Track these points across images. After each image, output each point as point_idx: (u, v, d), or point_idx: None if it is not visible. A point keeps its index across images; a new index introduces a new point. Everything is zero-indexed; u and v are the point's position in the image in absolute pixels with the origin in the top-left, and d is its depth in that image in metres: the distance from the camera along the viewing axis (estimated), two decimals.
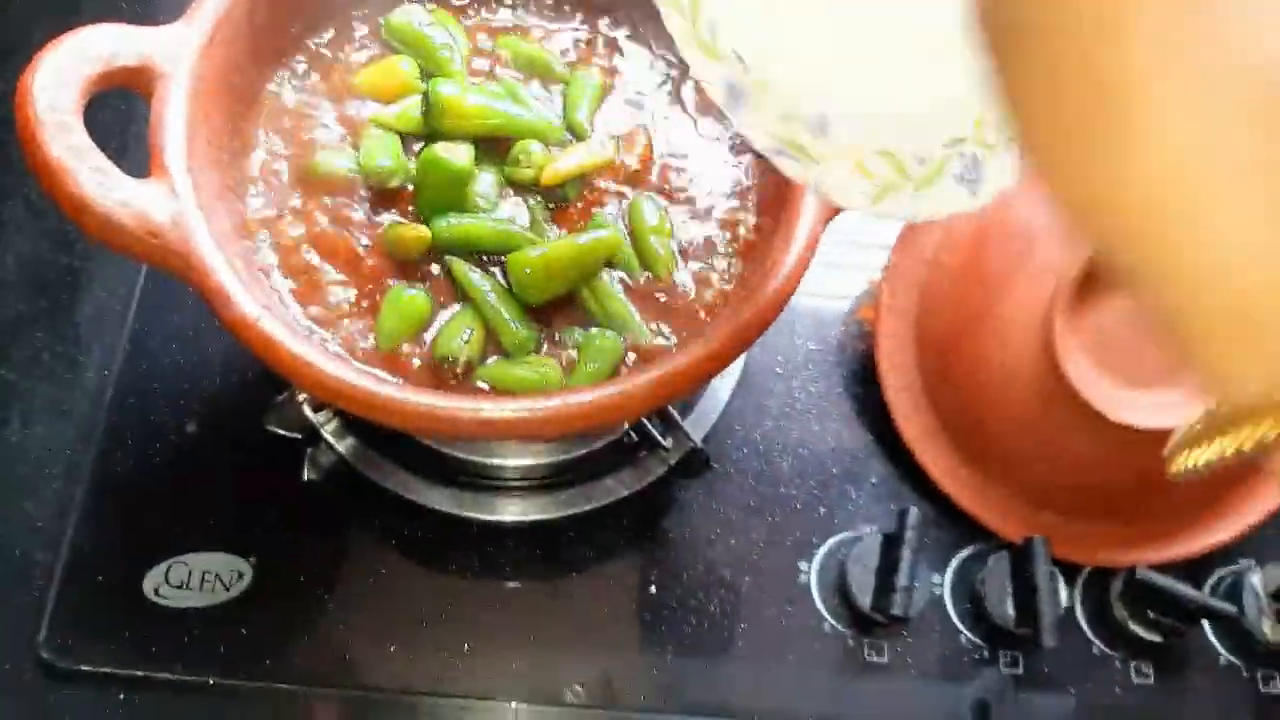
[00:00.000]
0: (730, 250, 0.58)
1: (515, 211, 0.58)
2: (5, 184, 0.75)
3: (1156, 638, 0.65)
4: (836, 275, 0.77)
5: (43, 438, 0.67)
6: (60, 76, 0.49)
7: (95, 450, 0.66)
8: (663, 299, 0.57)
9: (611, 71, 0.64)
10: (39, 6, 0.78)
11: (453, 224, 0.56)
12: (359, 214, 0.57)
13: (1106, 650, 0.66)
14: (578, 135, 0.61)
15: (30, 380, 0.69)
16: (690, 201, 0.60)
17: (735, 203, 0.60)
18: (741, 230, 0.59)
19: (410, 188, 0.57)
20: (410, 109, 0.59)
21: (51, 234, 0.74)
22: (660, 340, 0.56)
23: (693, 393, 0.55)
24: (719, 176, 0.61)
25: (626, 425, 0.66)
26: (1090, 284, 0.60)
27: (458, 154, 0.55)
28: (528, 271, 0.54)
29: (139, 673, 0.61)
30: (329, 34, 0.62)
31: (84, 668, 0.60)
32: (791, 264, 0.51)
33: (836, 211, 0.54)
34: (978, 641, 0.66)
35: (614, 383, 0.48)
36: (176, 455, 0.66)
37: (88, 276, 0.72)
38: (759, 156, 0.60)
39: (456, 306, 0.56)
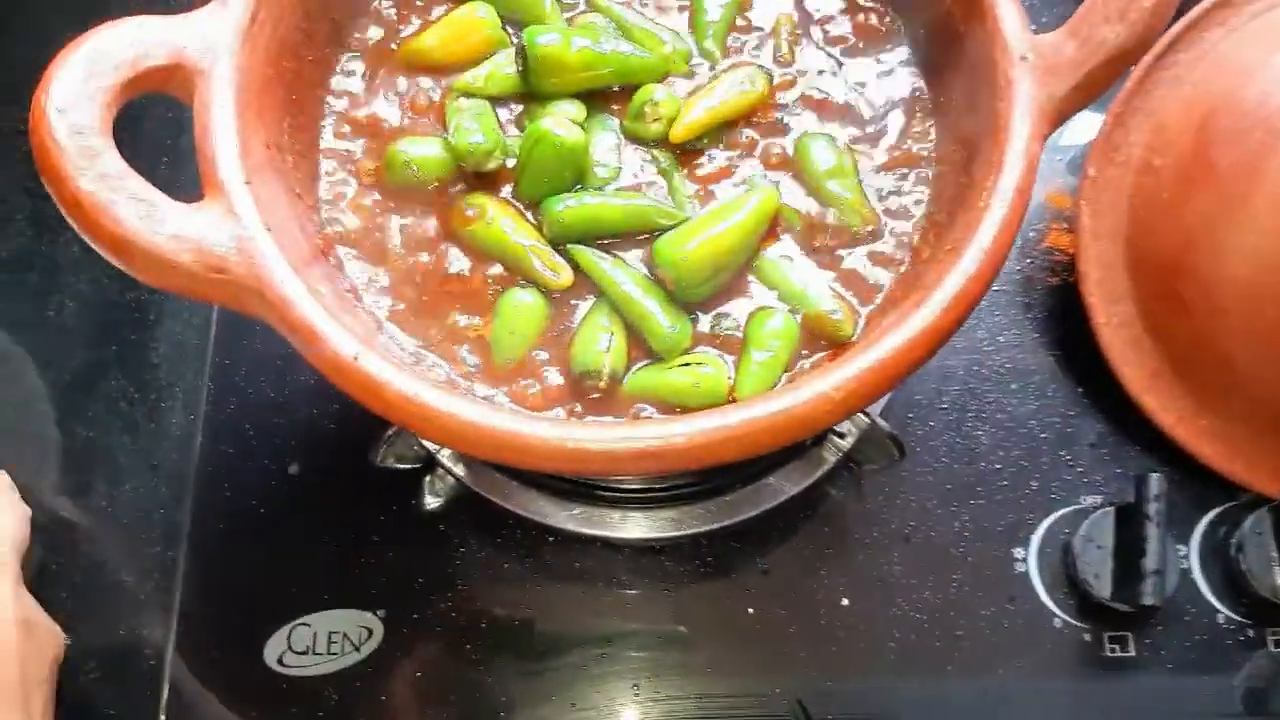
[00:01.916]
0: (917, 183, 0.47)
1: (644, 174, 0.48)
2: (55, 217, 0.67)
3: None
4: None
5: (133, 498, 0.60)
6: (79, 91, 0.39)
7: (191, 506, 0.59)
8: (859, 253, 0.46)
9: None
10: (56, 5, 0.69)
11: (571, 207, 0.46)
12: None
13: None
14: (712, 63, 0.50)
15: (111, 435, 0.61)
16: (857, 125, 0.49)
17: (904, 124, 0.48)
18: (919, 159, 0.47)
19: (510, 165, 0.47)
20: (500, 67, 0.49)
21: (112, 268, 0.65)
22: (841, 313, 0.45)
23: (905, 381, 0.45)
24: (875, 90, 0.49)
25: None
26: None
27: (570, 128, 0.45)
28: (684, 266, 0.43)
29: None
30: None
31: None
32: (1008, 204, 0.40)
33: (1054, 127, 0.42)
34: (1240, 619, 0.55)
35: (807, 383, 0.38)
36: (281, 502, 0.59)
37: (158, 311, 0.64)
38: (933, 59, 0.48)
39: (586, 304, 0.46)
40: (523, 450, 0.38)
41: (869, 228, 0.46)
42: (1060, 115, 0.42)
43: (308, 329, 0.39)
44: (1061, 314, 0.60)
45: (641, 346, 0.45)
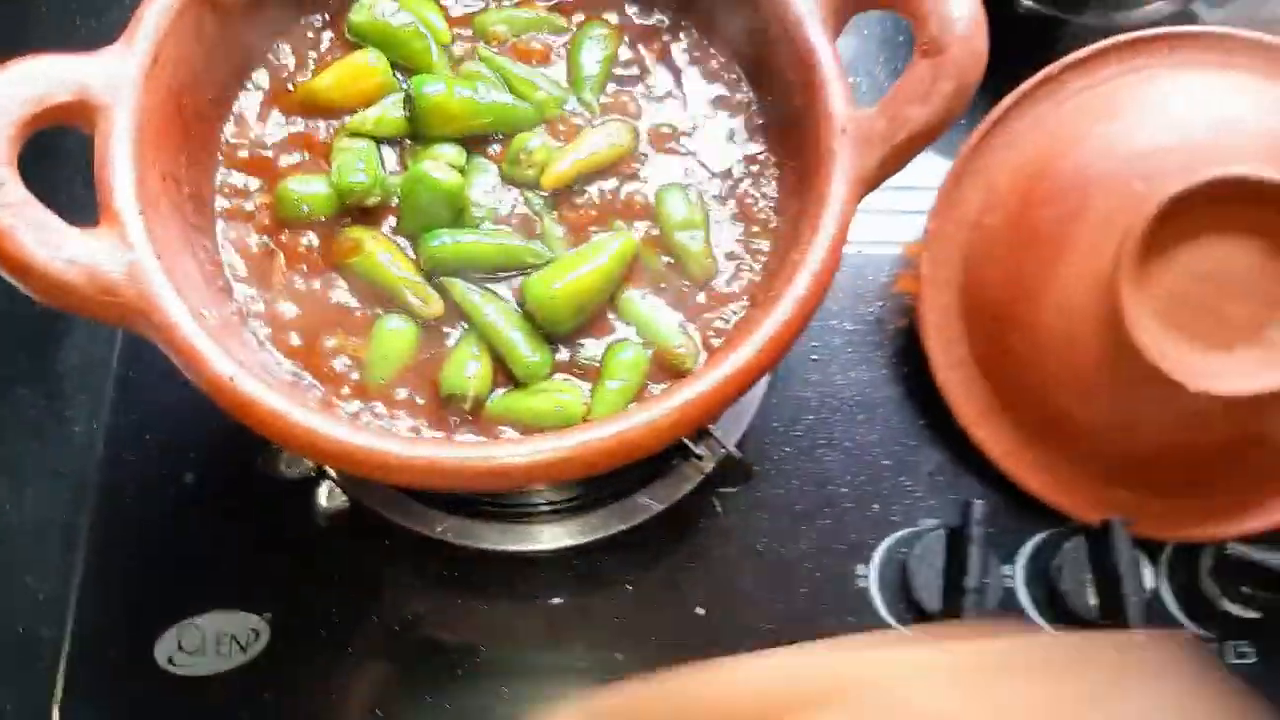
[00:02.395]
0: (758, 235, 0.52)
1: (518, 214, 0.53)
2: None
3: (1254, 614, 0.59)
4: (870, 245, 0.70)
5: (36, 503, 0.63)
6: None
7: (91, 512, 0.62)
8: (700, 297, 0.51)
9: (620, 26, 0.57)
10: None
11: (446, 244, 0.50)
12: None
13: (1200, 632, 0.60)
14: (590, 113, 0.55)
15: (17, 441, 0.64)
16: (705, 181, 0.54)
17: (750, 182, 0.54)
18: (760, 213, 0.53)
19: (394, 202, 0.52)
20: (389, 110, 0.54)
21: None
22: (686, 348, 0.50)
23: (726, 409, 0.49)
24: (726, 152, 0.54)
25: None
26: (1158, 239, 0.53)
27: (446, 172, 0.50)
28: (551, 303, 0.48)
29: None
30: (291, 41, 0.56)
31: None
32: (822, 255, 0.45)
33: (867, 191, 0.47)
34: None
35: (639, 411, 0.43)
36: (176, 509, 0.62)
37: (67, 323, 0.67)
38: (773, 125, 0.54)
39: (458, 333, 0.50)
40: (380, 466, 0.42)
41: (707, 277, 0.51)
42: (873, 183, 0.47)
43: (189, 350, 0.43)
44: (906, 353, 0.66)
45: (505, 373, 0.49)
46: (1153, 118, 0.57)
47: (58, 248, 0.43)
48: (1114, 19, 0.78)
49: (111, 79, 0.47)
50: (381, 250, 0.50)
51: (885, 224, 0.71)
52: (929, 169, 0.64)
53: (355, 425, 0.44)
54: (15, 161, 0.44)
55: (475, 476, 0.42)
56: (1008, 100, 0.62)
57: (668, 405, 0.43)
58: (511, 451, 0.42)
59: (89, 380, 0.66)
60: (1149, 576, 0.61)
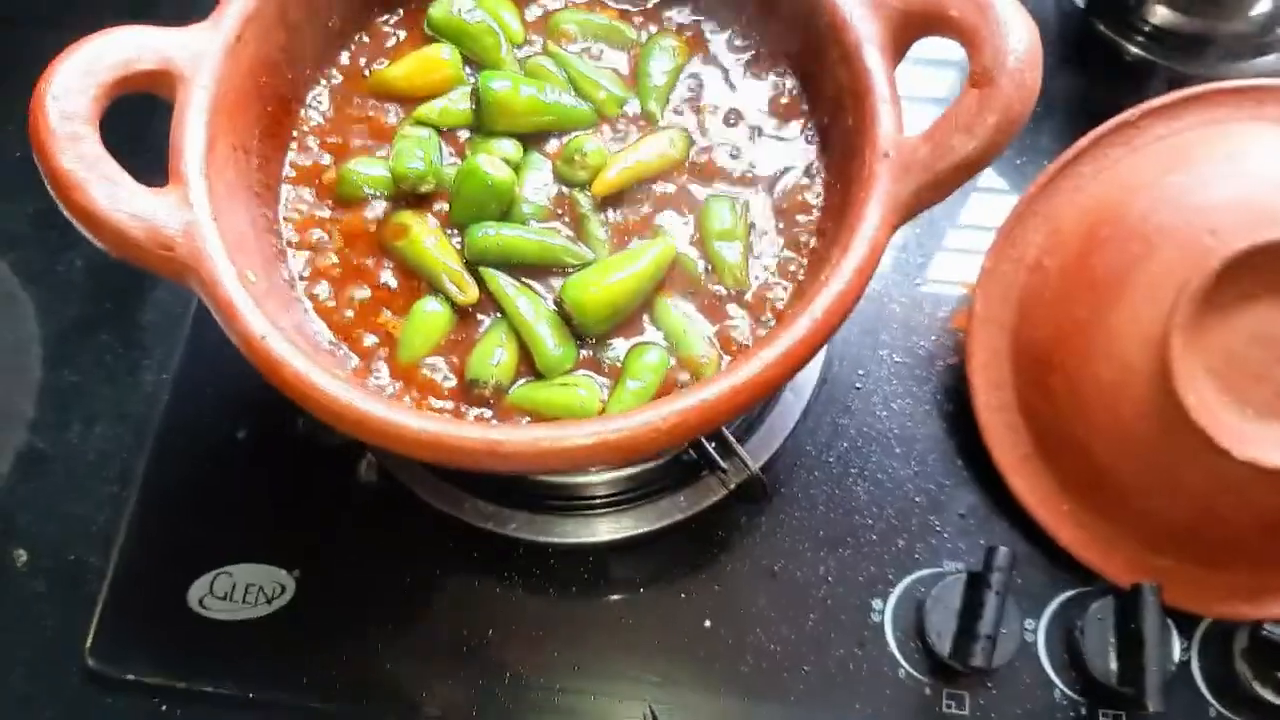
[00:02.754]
0: (796, 253, 0.52)
1: (566, 208, 0.54)
2: None
3: None
4: (933, 279, 0.70)
5: (101, 441, 0.67)
6: (75, 83, 0.47)
7: (148, 455, 0.66)
8: (730, 308, 0.52)
9: (694, 41, 0.58)
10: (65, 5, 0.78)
11: (490, 235, 0.52)
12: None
13: (1226, 714, 0.57)
14: (649, 120, 0.56)
15: (93, 383, 0.69)
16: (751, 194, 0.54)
17: (794, 199, 0.54)
18: (799, 231, 0.53)
19: (447, 191, 0.54)
20: (455, 102, 0.56)
21: None
22: (708, 359, 0.50)
23: (736, 418, 0.50)
24: (776, 167, 0.55)
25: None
26: (1218, 296, 0.51)
27: (499, 167, 0.51)
28: (589, 306, 0.49)
29: (180, 684, 0.60)
30: (371, 31, 0.59)
31: (128, 676, 0.60)
32: (845, 281, 0.45)
33: (903, 218, 0.47)
34: (1074, 697, 0.58)
35: (639, 413, 0.43)
36: (226, 463, 0.65)
37: (152, 280, 0.72)
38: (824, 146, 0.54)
39: (489, 321, 0.52)
40: (392, 436, 0.44)
41: (740, 288, 0.51)
42: (909, 210, 0.47)
43: (228, 306, 0.46)
44: (952, 392, 0.65)
45: (529, 364, 0.51)
46: (1226, 171, 0.55)
47: (124, 202, 0.46)
48: (1228, 69, 0.75)
49: (195, 53, 0.50)
50: (427, 235, 0.52)
51: (951, 262, 0.70)
52: (1002, 209, 0.63)
53: (372, 394, 0.45)
54: (97, 120, 0.47)
55: (476, 456, 0.43)
56: (1081, 142, 0.60)
57: (672, 408, 0.43)
58: (513, 436, 0.43)
59: (164, 335, 0.70)
60: (1177, 649, 0.58)
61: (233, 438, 0.66)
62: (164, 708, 0.60)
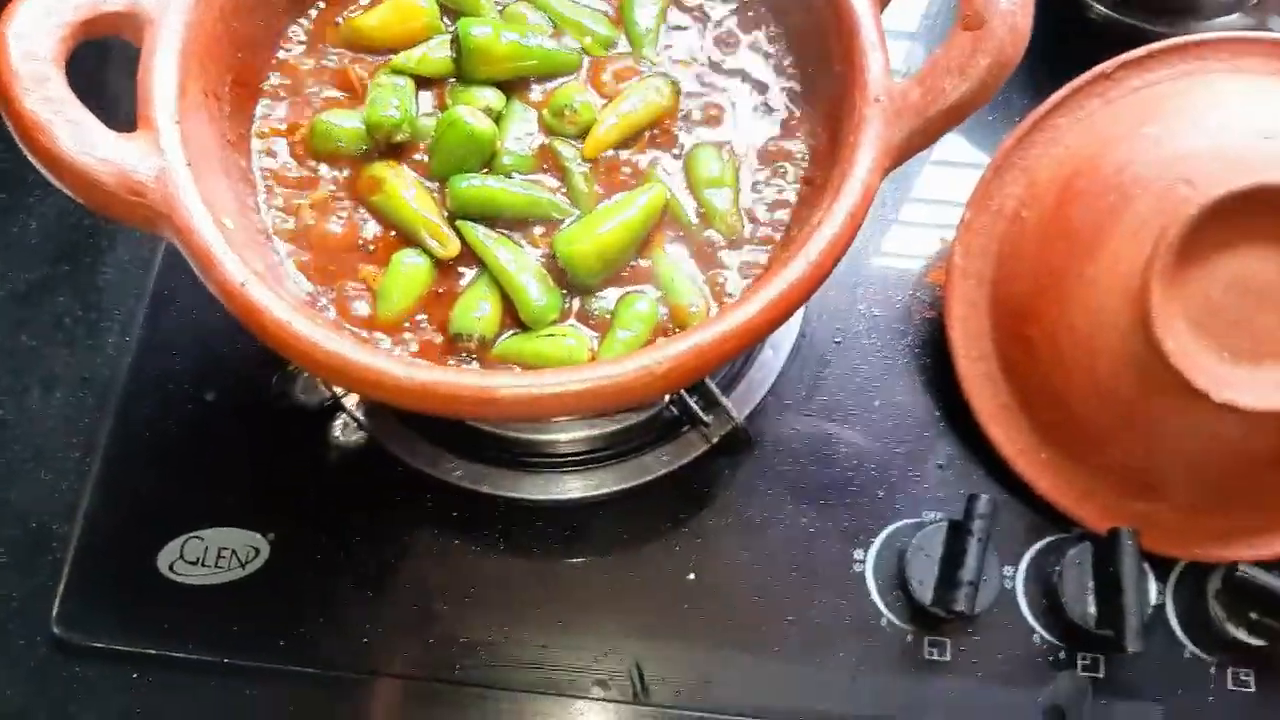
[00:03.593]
0: (786, 200, 0.52)
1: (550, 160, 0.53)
2: None
3: (1258, 641, 0.58)
4: (907, 234, 0.70)
5: (62, 405, 0.65)
6: (39, 24, 0.45)
7: (112, 419, 0.64)
8: (722, 255, 0.51)
9: None
10: None
11: (473, 186, 0.51)
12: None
13: (1200, 655, 0.59)
14: (638, 63, 0.55)
15: (52, 346, 0.67)
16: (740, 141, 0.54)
17: (784, 146, 0.53)
18: (790, 178, 0.52)
19: (423, 143, 0.52)
20: (433, 50, 0.54)
21: None
22: (698, 307, 0.50)
23: (724, 365, 0.49)
24: (764, 115, 0.54)
25: (666, 399, 0.61)
26: (1194, 244, 0.52)
27: (480, 118, 0.50)
28: (580, 260, 0.49)
29: (151, 650, 0.58)
30: None
31: (97, 644, 0.59)
32: (839, 225, 0.45)
33: (895, 163, 0.47)
34: (1053, 641, 0.59)
35: (633, 357, 0.43)
36: (194, 425, 0.64)
37: (110, 239, 0.69)
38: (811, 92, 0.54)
39: (473, 273, 0.51)
40: (377, 384, 0.43)
41: (732, 235, 0.51)
42: (901, 154, 0.47)
43: (205, 254, 0.44)
44: (930, 344, 0.65)
45: (514, 316, 0.50)
46: (1202, 122, 0.56)
47: (92, 146, 0.44)
48: (1190, 28, 0.76)
49: None
50: (405, 188, 0.51)
51: (927, 213, 0.71)
52: (980, 162, 0.63)
53: (357, 341, 0.44)
54: (62, 61, 0.45)
55: (470, 403, 0.42)
56: (1057, 95, 0.61)
57: (665, 352, 0.43)
58: (506, 382, 0.42)
59: (125, 296, 0.68)
60: (1154, 592, 0.59)
61: (201, 399, 0.64)
62: (135, 675, 0.58)
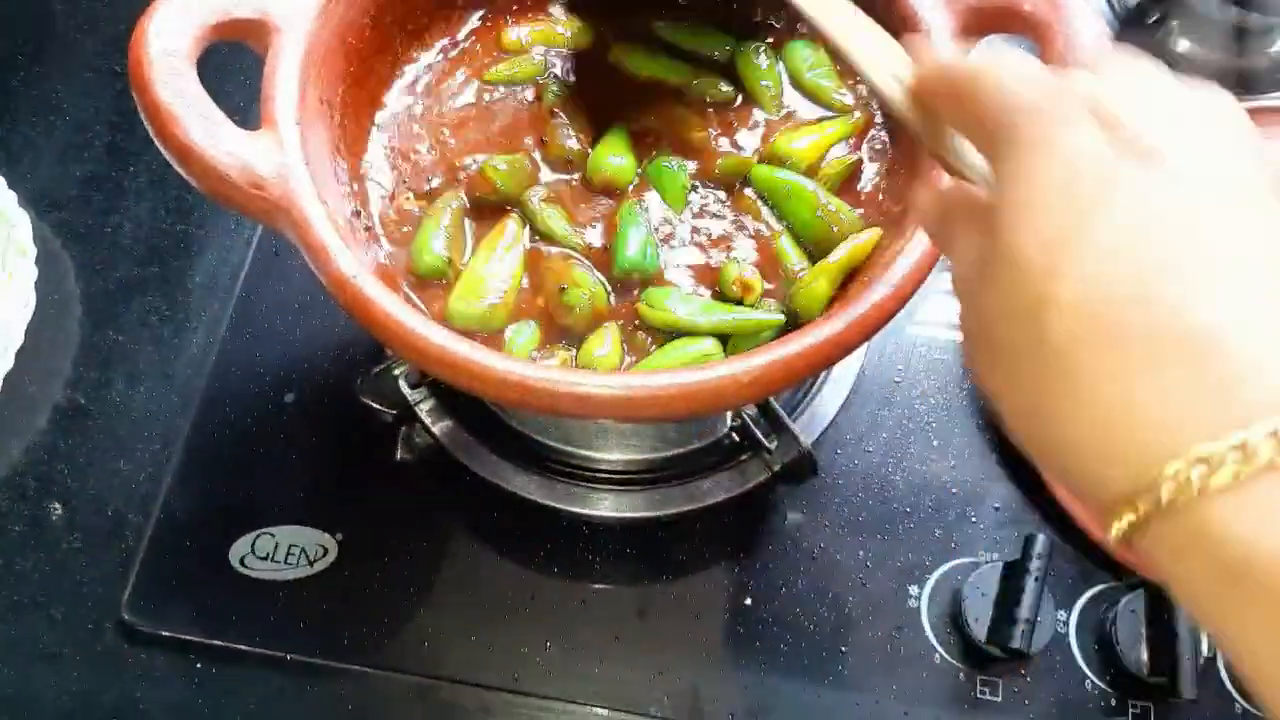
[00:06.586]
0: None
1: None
2: (129, 150, 0.77)
3: None
4: None
5: (144, 400, 0.67)
6: (176, 22, 0.48)
7: (193, 416, 0.66)
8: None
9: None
10: None
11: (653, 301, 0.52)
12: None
13: (1248, 707, 0.59)
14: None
15: (138, 343, 0.69)
16: None
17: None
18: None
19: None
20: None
21: (170, 201, 0.74)
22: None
23: (801, 380, 0.51)
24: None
25: (729, 423, 0.63)
26: None
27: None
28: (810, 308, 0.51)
29: (217, 642, 0.60)
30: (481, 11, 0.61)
31: (164, 632, 0.60)
32: (921, 251, 0.47)
33: None
34: (1104, 687, 0.59)
35: (720, 365, 0.44)
36: (271, 425, 0.66)
37: (200, 244, 0.72)
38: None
39: None
40: (477, 376, 0.45)
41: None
42: None
43: (320, 247, 0.46)
44: None
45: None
46: None
47: (220, 140, 0.47)
48: (1245, 101, 0.79)
49: (290, 7, 0.51)
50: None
51: None
52: None
53: (457, 336, 0.46)
54: (194, 61, 0.48)
55: (564, 400, 0.44)
56: None
57: (749, 363, 0.44)
58: (598, 381, 0.44)
59: (211, 299, 0.70)
60: (1207, 642, 0.59)
61: (280, 401, 0.66)
62: (199, 665, 0.59)
